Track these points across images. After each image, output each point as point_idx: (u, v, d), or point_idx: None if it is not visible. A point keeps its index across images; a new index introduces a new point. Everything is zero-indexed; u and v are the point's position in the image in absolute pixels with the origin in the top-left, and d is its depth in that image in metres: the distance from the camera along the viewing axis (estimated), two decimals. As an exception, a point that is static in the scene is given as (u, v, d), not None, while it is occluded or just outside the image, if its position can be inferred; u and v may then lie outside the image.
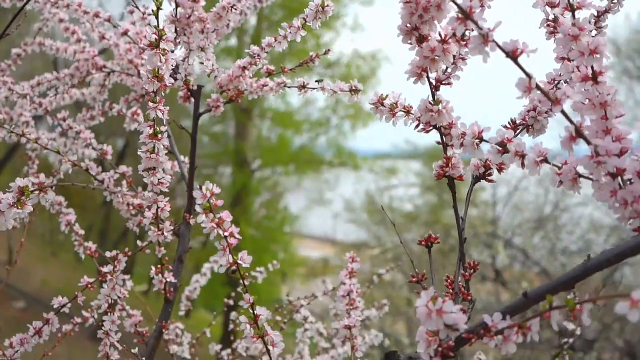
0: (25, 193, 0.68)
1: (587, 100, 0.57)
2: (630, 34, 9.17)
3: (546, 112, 0.71)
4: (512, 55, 0.53)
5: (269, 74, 1.02)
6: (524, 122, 0.72)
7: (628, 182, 0.55)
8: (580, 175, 0.57)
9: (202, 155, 11.40)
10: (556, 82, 0.73)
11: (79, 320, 1.17)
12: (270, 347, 0.67)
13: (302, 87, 0.99)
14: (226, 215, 0.65)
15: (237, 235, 0.66)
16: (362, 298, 1.62)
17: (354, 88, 0.89)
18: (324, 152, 11.84)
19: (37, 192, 0.69)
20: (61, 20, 1.22)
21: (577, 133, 0.54)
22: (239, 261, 0.66)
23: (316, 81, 0.98)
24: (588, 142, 0.54)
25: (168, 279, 1.01)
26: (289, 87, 1.01)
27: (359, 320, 0.98)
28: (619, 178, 0.54)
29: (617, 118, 0.56)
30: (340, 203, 11.75)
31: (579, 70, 0.59)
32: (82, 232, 1.13)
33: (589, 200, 7.53)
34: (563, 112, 0.54)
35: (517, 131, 0.72)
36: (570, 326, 1.15)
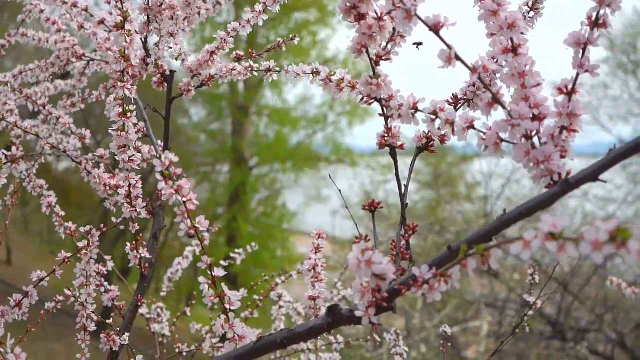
0: (-2, 165, 0.73)
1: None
2: (624, 29, 9.20)
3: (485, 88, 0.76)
4: (435, 28, 0.58)
5: (238, 59, 1.08)
6: (465, 96, 0.77)
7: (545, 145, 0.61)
8: (502, 140, 0.62)
9: (200, 153, 11.46)
10: (495, 59, 0.78)
11: (61, 298, 1.22)
12: (227, 306, 0.73)
13: (268, 70, 1.04)
14: (185, 183, 0.71)
15: (195, 202, 0.71)
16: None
17: (315, 70, 0.94)
18: (321, 149, 11.90)
19: (9, 164, 0.74)
20: (42, 11, 1.27)
21: (494, 99, 0.59)
22: (197, 225, 0.71)
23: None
24: (504, 107, 0.59)
25: (143, 255, 1.06)
26: (256, 71, 1.06)
27: (323, 291, 1.03)
28: (534, 140, 0.59)
29: (535, 87, 0.61)
30: (337, 200, 11.80)
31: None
32: (62, 213, 1.18)
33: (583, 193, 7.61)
34: (480, 79, 0.59)
35: (459, 105, 0.77)
36: (531, 299, 1.21)
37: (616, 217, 7.68)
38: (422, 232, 8.28)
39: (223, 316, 0.73)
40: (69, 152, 1.07)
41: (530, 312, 1.16)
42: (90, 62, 1.29)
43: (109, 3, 1.18)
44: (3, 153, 0.73)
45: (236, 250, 1.48)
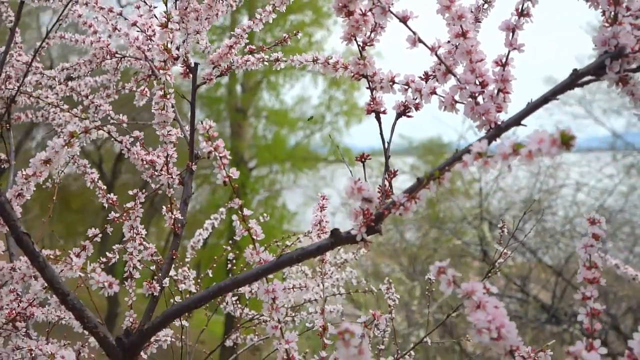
0: (74, 135, 0.94)
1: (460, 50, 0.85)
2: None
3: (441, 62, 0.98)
4: (403, 20, 0.80)
5: (251, 52, 1.30)
6: (433, 73, 0.99)
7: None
8: (456, 101, 0.84)
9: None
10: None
11: (103, 259, 1.43)
12: (254, 237, 0.95)
13: (277, 60, 1.26)
14: (220, 143, 0.92)
15: (228, 156, 0.93)
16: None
17: (314, 58, 1.16)
18: (319, 149, 12.11)
19: (83, 134, 0.95)
20: (80, 16, 1.49)
21: (447, 70, 0.81)
22: (230, 174, 0.93)
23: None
24: (455, 76, 0.81)
25: (176, 216, 1.28)
26: (266, 61, 1.28)
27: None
28: (479, 99, 0.81)
29: (479, 62, 0.83)
30: (337, 199, 12.00)
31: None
32: (104, 187, 1.40)
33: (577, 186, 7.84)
34: (437, 55, 0.81)
35: (429, 79, 0.99)
36: (499, 248, 1.42)
37: (609, 206, 7.91)
38: (423, 226, 8.51)
39: (251, 246, 0.95)
40: (112, 133, 1.28)
41: (501, 260, 1.38)
42: (122, 59, 1.51)
43: (138, 7, 1.41)
44: (76, 124, 0.94)
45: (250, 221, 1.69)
